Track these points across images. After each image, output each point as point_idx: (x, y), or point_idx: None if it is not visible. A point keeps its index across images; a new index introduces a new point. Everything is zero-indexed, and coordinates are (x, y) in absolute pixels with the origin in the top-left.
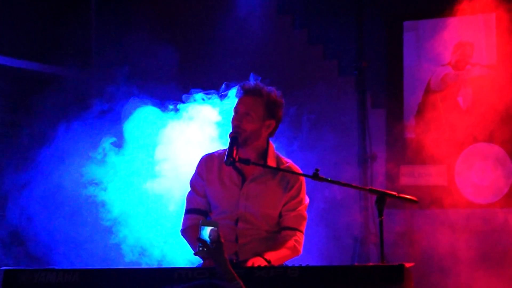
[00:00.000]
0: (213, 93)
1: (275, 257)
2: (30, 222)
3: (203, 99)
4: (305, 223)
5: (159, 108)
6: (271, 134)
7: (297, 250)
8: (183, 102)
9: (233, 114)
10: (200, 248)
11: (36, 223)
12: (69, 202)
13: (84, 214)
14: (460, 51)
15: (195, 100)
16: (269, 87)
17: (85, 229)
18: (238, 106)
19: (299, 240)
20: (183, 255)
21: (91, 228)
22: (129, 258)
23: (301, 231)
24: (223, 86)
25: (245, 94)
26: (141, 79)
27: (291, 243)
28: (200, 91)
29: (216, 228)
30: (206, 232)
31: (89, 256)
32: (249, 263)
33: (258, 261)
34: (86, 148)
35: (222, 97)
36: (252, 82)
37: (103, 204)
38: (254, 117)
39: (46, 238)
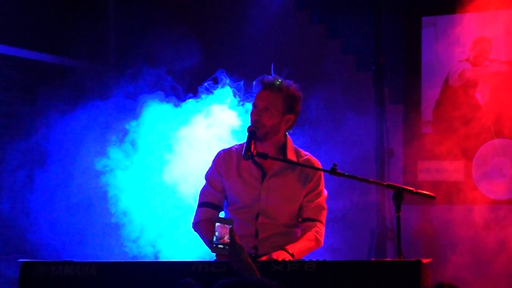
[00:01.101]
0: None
1: (298, 250)
2: (31, 214)
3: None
4: (325, 214)
5: (177, 101)
6: (289, 128)
7: (319, 241)
8: (207, 92)
9: (252, 108)
10: (216, 246)
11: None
12: (78, 193)
13: (93, 205)
14: (478, 47)
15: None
16: (287, 81)
17: (93, 220)
18: (257, 100)
19: (320, 231)
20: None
21: (99, 219)
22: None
23: (321, 222)
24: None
25: (264, 89)
26: (161, 72)
27: (312, 235)
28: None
29: (231, 226)
30: (222, 229)
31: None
32: (274, 256)
33: (282, 255)
34: (99, 140)
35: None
36: (270, 76)
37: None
38: (274, 112)
39: (49, 229)
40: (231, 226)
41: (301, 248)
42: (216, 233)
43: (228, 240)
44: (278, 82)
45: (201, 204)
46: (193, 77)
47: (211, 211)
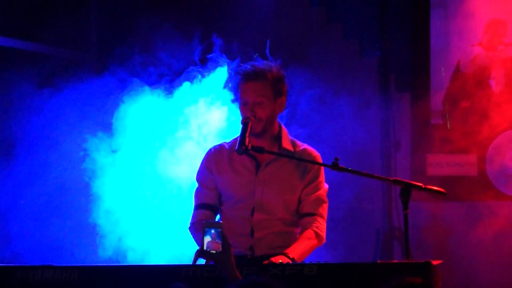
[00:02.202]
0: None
1: (299, 253)
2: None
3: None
4: (326, 207)
5: (167, 88)
6: (281, 110)
7: (320, 237)
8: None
9: (240, 103)
10: (208, 251)
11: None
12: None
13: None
14: (492, 30)
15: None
16: (266, 63)
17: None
18: (245, 95)
19: (320, 226)
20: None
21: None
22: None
23: (321, 216)
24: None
25: (248, 81)
26: (148, 57)
27: (311, 232)
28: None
29: (220, 230)
30: (211, 234)
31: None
32: (276, 260)
33: (282, 260)
34: (75, 130)
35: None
36: (248, 65)
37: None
38: (266, 102)
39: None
40: (220, 229)
41: (302, 249)
42: (207, 243)
43: (220, 247)
44: (259, 70)
45: (196, 207)
46: (184, 62)
47: (205, 213)
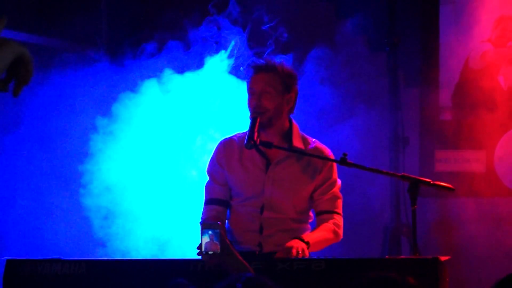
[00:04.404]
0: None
1: (314, 239)
2: None
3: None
4: (341, 203)
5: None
6: (291, 110)
7: (338, 234)
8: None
9: (248, 95)
10: (206, 253)
11: None
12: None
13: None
14: (501, 26)
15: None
16: (277, 60)
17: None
18: (253, 85)
19: (338, 223)
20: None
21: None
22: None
23: (338, 213)
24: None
25: (258, 72)
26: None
27: (330, 226)
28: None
29: (218, 231)
30: (209, 236)
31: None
32: (288, 245)
33: (296, 244)
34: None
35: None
36: (260, 59)
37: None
38: (273, 93)
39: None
40: (218, 230)
41: (318, 238)
42: (205, 244)
43: (219, 247)
44: (271, 63)
45: (207, 202)
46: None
47: (217, 208)
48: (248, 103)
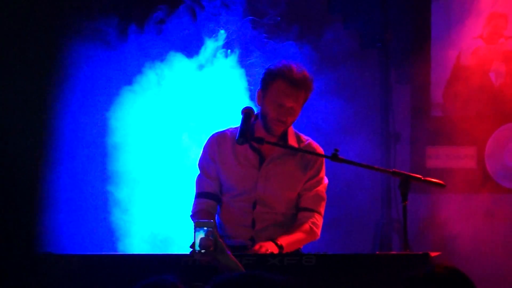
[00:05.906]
0: None
1: (288, 241)
2: None
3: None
4: (324, 204)
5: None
6: None
7: (315, 233)
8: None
9: (273, 103)
10: (199, 251)
11: None
12: None
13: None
14: (492, 23)
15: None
16: (308, 72)
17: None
18: (284, 99)
19: (317, 222)
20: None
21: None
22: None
23: (319, 213)
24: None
25: (293, 86)
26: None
27: (307, 226)
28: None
29: (212, 229)
30: (202, 234)
31: None
32: (256, 247)
33: (269, 246)
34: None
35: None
36: (299, 70)
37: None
38: (297, 110)
39: None
40: (212, 228)
41: (292, 239)
42: (198, 242)
43: (212, 245)
44: (309, 80)
45: (198, 195)
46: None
47: (207, 202)
48: (268, 110)
